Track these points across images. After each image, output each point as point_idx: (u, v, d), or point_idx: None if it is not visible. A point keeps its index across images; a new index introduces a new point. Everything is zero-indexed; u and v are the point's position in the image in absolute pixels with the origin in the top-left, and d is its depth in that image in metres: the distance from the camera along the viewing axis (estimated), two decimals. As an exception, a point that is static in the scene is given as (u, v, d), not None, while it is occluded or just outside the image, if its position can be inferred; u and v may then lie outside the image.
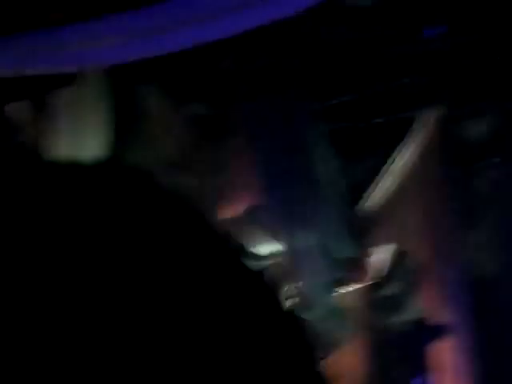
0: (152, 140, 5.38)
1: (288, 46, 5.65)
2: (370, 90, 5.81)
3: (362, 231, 5.89)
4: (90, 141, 5.11)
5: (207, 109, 5.67)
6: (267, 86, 5.70)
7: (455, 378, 5.42)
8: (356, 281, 5.99)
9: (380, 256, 5.93)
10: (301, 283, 5.81)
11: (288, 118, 5.73)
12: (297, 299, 5.92)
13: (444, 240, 5.56)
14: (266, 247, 5.89)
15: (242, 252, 0.66)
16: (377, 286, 6.00)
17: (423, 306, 5.57)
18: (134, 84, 5.31)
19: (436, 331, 5.46)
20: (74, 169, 0.68)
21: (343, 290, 5.98)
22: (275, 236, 5.72)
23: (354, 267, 5.90)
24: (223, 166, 5.52)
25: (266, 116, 5.72)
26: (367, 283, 5.99)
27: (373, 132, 5.94)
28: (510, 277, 5.49)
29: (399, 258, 5.89)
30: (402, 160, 5.73)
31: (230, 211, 5.46)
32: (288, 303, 6.13)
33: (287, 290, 6.08)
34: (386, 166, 5.78)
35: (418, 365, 5.58)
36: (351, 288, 6.00)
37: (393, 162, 5.75)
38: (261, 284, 0.70)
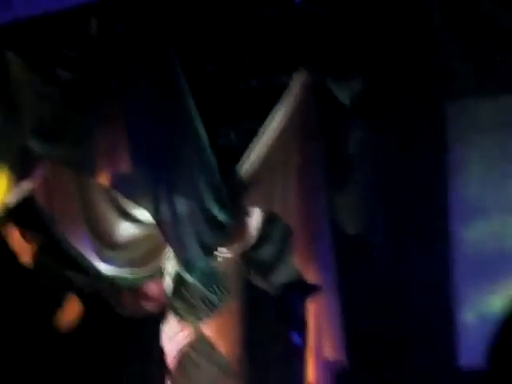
0: (19, 108, 5.31)
1: (156, 12, 5.64)
2: (241, 54, 5.85)
3: (236, 196, 5.93)
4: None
5: (76, 75, 5.63)
6: (138, 52, 5.68)
7: (327, 334, 5.53)
8: (231, 245, 6.04)
9: (253, 220, 5.98)
10: (179, 248, 5.83)
11: (158, 84, 5.71)
12: (177, 262, 5.95)
13: (313, 202, 5.64)
14: (144, 213, 5.89)
15: None
16: (251, 249, 6.06)
17: (296, 267, 5.64)
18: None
19: (308, 290, 5.55)
20: None
21: (219, 254, 6.03)
22: (146, 203, 5.72)
23: (228, 232, 5.95)
24: (92, 133, 5.48)
25: (136, 83, 5.69)
26: (242, 247, 6.05)
27: (246, 96, 5.99)
28: (373, 236, 5.62)
29: (271, 222, 5.95)
30: (273, 124, 5.78)
31: (100, 179, 5.43)
32: (169, 267, 6.16)
33: (168, 254, 6.11)
34: (258, 130, 5.83)
35: (294, 323, 5.67)
36: (226, 252, 6.05)
37: (265, 125, 5.80)
38: None
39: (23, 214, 5.70)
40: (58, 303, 6.11)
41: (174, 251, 5.91)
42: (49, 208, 5.97)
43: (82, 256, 6.04)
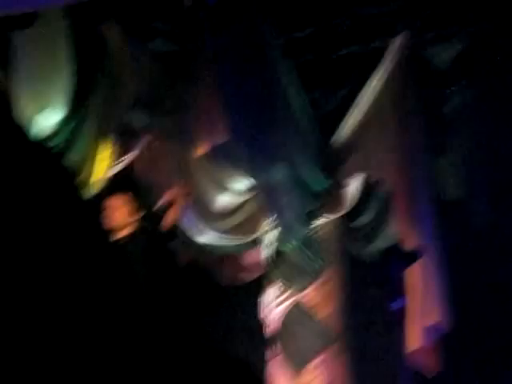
0: (117, 79, 5.38)
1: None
2: (337, 20, 5.81)
3: (335, 162, 5.92)
4: (53, 82, 5.12)
5: (172, 45, 5.68)
6: (232, 20, 5.69)
7: (429, 299, 5.51)
8: (330, 212, 6.04)
9: (351, 186, 5.97)
10: (277, 216, 5.86)
11: (255, 52, 5.72)
12: (275, 232, 5.99)
13: (413, 166, 5.60)
14: (242, 183, 5.94)
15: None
16: (350, 215, 6.05)
17: (396, 232, 5.62)
18: (96, 23, 5.30)
19: (408, 255, 5.52)
20: None
21: (318, 221, 6.04)
22: (245, 172, 5.75)
23: (327, 198, 5.95)
24: (190, 103, 5.52)
25: (232, 51, 5.71)
26: (341, 214, 6.04)
27: (343, 63, 5.95)
28: (476, 201, 5.56)
29: (370, 188, 5.93)
30: (371, 89, 5.75)
31: (199, 149, 5.48)
32: (268, 235, 6.21)
33: (265, 223, 6.15)
34: (356, 96, 5.80)
35: (395, 289, 5.66)
36: (326, 219, 6.06)
37: (363, 91, 5.77)
38: None
39: (125, 186, 5.79)
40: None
41: (272, 219, 5.95)
42: (149, 180, 6.06)
43: (182, 226, 6.12)
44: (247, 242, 6.37)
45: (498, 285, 5.45)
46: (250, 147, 5.73)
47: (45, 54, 5.13)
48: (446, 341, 5.61)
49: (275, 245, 6.13)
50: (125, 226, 5.12)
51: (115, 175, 5.74)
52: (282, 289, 6.06)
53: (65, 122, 5.43)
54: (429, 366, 5.64)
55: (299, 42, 5.90)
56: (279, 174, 5.78)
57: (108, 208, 5.15)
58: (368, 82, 5.71)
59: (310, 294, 6.02)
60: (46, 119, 5.43)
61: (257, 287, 6.31)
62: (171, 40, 5.73)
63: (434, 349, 5.63)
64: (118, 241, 5.09)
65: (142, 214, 5.29)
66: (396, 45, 5.60)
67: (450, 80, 5.68)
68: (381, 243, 5.86)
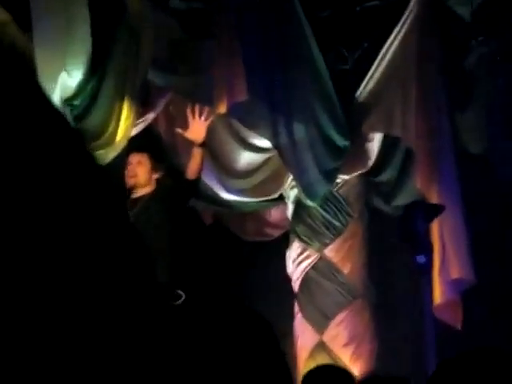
0: (137, 38, 5.36)
1: None
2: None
3: (355, 120, 5.90)
4: (73, 42, 5.12)
5: (192, 3, 5.65)
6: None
7: (453, 254, 5.51)
8: (353, 168, 6.03)
9: (373, 144, 5.95)
10: (300, 173, 5.86)
11: (276, 9, 5.68)
12: (298, 189, 5.99)
13: (435, 123, 5.56)
14: (265, 141, 5.93)
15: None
16: (372, 172, 6.04)
17: (418, 188, 5.61)
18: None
19: (431, 211, 5.51)
20: None
21: (341, 178, 6.04)
22: (267, 130, 5.74)
23: (348, 156, 5.93)
24: (211, 61, 5.50)
25: (252, 9, 5.67)
26: (364, 170, 6.03)
27: (364, 17, 5.89)
28: (497, 156, 5.52)
29: (392, 145, 5.90)
30: (393, 45, 5.69)
31: (217, 108, 5.47)
32: (291, 193, 6.21)
33: (290, 181, 6.15)
34: (379, 50, 5.74)
35: (419, 244, 5.65)
36: (349, 176, 6.05)
37: (384, 47, 5.71)
38: None
39: (146, 144, 5.80)
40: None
41: (294, 177, 5.95)
42: (171, 138, 6.08)
43: (205, 184, 6.14)
44: (271, 199, 6.39)
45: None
46: (271, 105, 5.71)
47: (64, 14, 5.12)
48: (470, 295, 5.62)
49: (298, 201, 6.14)
50: (146, 183, 5.12)
51: (138, 132, 5.76)
52: (306, 245, 6.09)
53: (85, 82, 5.44)
54: (453, 319, 5.65)
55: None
56: (300, 131, 5.76)
57: (130, 164, 5.15)
58: (389, 37, 5.66)
59: (334, 250, 6.04)
60: (68, 79, 5.44)
61: (282, 243, 6.34)
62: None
63: (458, 303, 5.64)
64: (139, 198, 5.09)
65: (162, 171, 5.29)
66: (416, -1, 5.54)
67: (471, 32, 5.61)
68: (403, 199, 5.86)
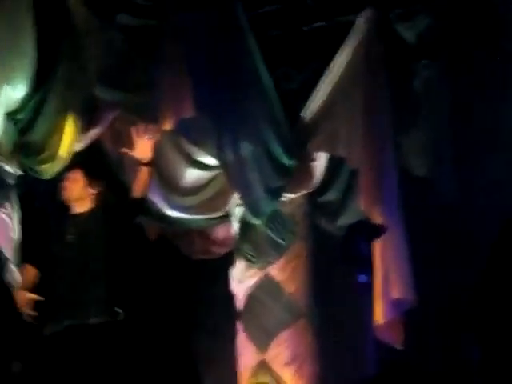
0: (82, 53, 5.35)
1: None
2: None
3: (301, 139, 5.92)
4: (17, 56, 5.09)
5: (139, 19, 5.65)
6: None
7: (395, 274, 5.54)
8: (298, 187, 6.05)
9: (318, 163, 5.97)
10: (245, 192, 5.87)
11: (223, 26, 5.69)
12: (244, 207, 6.00)
13: (379, 144, 5.60)
14: (210, 158, 5.93)
15: None
16: (316, 192, 6.06)
17: (362, 208, 5.64)
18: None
19: (374, 231, 5.55)
20: None
21: (286, 196, 6.05)
22: (213, 147, 5.75)
23: (293, 175, 5.96)
24: (157, 77, 5.50)
25: (200, 25, 5.68)
26: (308, 189, 6.06)
27: (310, 38, 5.93)
28: (441, 179, 5.57)
29: (336, 165, 5.94)
30: (338, 65, 5.73)
31: (163, 125, 5.46)
32: (236, 211, 6.21)
33: (236, 198, 6.15)
34: (323, 73, 5.78)
35: (361, 263, 5.69)
36: (295, 195, 6.07)
37: (329, 67, 5.75)
38: None
39: (90, 160, 5.78)
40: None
41: (240, 195, 5.95)
42: (117, 154, 6.05)
43: (150, 200, 6.12)
44: (216, 217, 6.38)
45: (461, 262, 5.48)
46: (217, 123, 5.72)
47: (8, 28, 5.09)
48: (410, 316, 5.65)
49: (243, 220, 6.14)
50: (79, 198, 5.09)
51: (82, 148, 5.73)
52: (251, 263, 6.09)
53: (29, 95, 5.41)
54: (395, 339, 5.68)
55: (267, 16, 5.88)
56: (246, 150, 5.77)
57: (66, 180, 5.13)
58: (335, 57, 5.70)
59: (278, 269, 6.04)
60: (12, 93, 5.40)
61: (226, 261, 6.33)
62: (138, 14, 5.69)
63: (399, 323, 5.67)
64: (79, 215, 5.06)
65: (100, 187, 5.25)
66: (362, 20, 5.58)
67: (416, 55, 5.68)
68: (347, 219, 5.89)
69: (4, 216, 5.42)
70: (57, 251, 4.97)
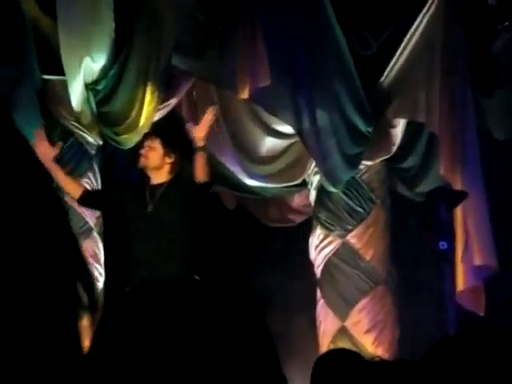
0: (159, 23, 5.36)
1: None
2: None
3: (379, 106, 5.87)
4: (96, 27, 5.13)
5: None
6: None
7: (477, 241, 5.47)
8: (374, 155, 6.01)
9: (396, 130, 5.92)
10: (323, 159, 5.84)
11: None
12: (321, 175, 5.97)
13: (459, 108, 5.52)
14: (287, 126, 5.91)
15: None
16: (396, 159, 6.01)
17: (442, 174, 5.57)
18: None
19: (455, 197, 5.47)
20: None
21: (364, 164, 6.01)
22: (290, 116, 5.72)
23: (373, 141, 5.91)
24: (233, 46, 5.49)
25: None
26: (387, 156, 6.01)
27: (388, 3, 5.86)
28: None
29: (416, 131, 5.87)
30: (417, 31, 5.65)
31: (239, 94, 5.45)
32: (314, 178, 6.19)
33: (313, 166, 6.13)
34: (401, 39, 5.71)
35: (441, 230, 5.62)
36: (372, 162, 6.03)
37: (408, 33, 5.67)
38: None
39: (168, 129, 5.79)
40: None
41: (317, 163, 5.93)
42: (193, 123, 6.06)
43: (228, 170, 6.15)
44: (294, 185, 6.38)
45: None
46: (294, 91, 5.69)
47: (87, 1, 5.14)
48: (492, 282, 5.59)
49: (321, 187, 6.13)
50: (158, 167, 5.10)
51: (161, 117, 5.77)
52: (329, 231, 6.07)
53: (108, 67, 5.45)
54: (476, 306, 5.62)
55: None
56: (323, 117, 5.74)
57: (144, 148, 5.14)
58: (415, 22, 5.62)
59: (357, 236, 6.02)
60: (92, 64, 5.45)
61: (305, 229, 6.33)
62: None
63: (481, 289, 5.61)
64: (159, 185, 5.08)
65: (177, 156, 5.24)
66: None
67: (497, 17, 5.56)
68: (426, 185, 5.82)
69: (87, 186, 5.49)
70: (136, 221, 5.01)
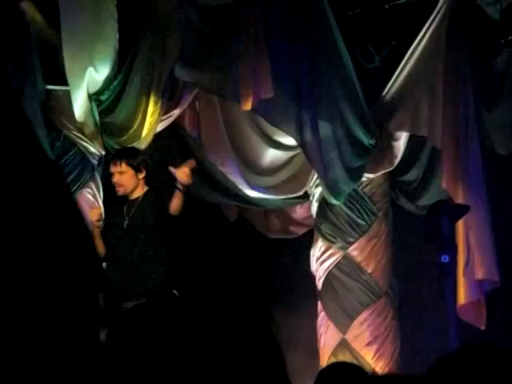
0: (163, 33, 5.37)
1: None
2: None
3: (381, 119, 5.87)
4: (100, 38, 5.14)
5: (218, 1, 5.65)
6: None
7: (478, 254, 5.47)
8: (376, 168, 6.01)
9: (399, 143, 5.92)
10: (325, 171, 5.84)
11: (300, 8, 5.65)
12: (323, 187, 5.97)
13: (462, 122, 5.52)
14: (290, 138, 5.91)
15: None
16: (398, 171, 6.01)
17: (443, 187, 5.57)
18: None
19: (457, 210, 5.47)
20: None
21: (366, 176, 6.01)
22: (293, 128, 5.72)
23: (375, 154, 5.91)
24: (235, 59, 5.50)
25: (278, 7, 5.65)
26: (389, 169, 6.01)
27: (392, 14, 5.86)
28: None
29: (418, 144, 5.87)
30: (420, 44, 5.65)
31: (243, 105, 5.45)
32: (316, 191, 6.19)
33: (315, 179, 6.13)
34: (404, 52, 5.71)
35: (443, 243, 5.61)
36: (374, 174, 6.03)
37: (411, 46, 5.67)
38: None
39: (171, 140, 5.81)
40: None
41: (319, 175, 5.92)
42: (196, 134, 6.08)
43: (229, 180, 6.15)
44: (295, 197, 6.38)
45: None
46: (297, 102, 5.69)
47: (91, 11, 5.15)
48: (494, 297, 5.58)
49: (322, 199, 6.12)
50: (135, 187, 5.09)
51: (163, 128, 5.78)
52: (331, 243, 6.07)
53: (112, 77, 5.46)
54: (477, 320, 5.61)
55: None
56: (325, 129, 5.74)
57: (112, 175, 5.13)
58: (419, 35, 5.62)
59: (358, 249, 6.01)
60: (95, 75, 5.47)
61: (306, 241, 6.32)
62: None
63: (482, 303, 5.60)
64: (134, 201, 5.07)
65: (147, 166, 5.23)
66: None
67: (500, 32, 5.57)
68: (429, 198, 5.82)
69: (89, 196, 5.50)
70: (115, 238, 5.04)
